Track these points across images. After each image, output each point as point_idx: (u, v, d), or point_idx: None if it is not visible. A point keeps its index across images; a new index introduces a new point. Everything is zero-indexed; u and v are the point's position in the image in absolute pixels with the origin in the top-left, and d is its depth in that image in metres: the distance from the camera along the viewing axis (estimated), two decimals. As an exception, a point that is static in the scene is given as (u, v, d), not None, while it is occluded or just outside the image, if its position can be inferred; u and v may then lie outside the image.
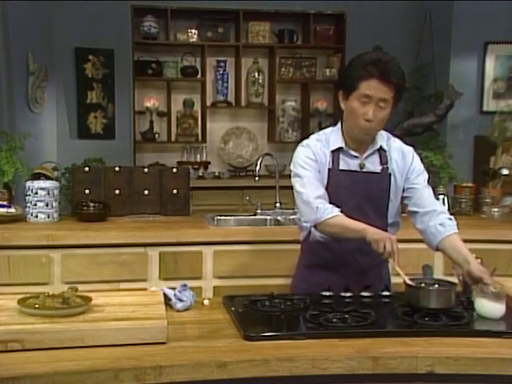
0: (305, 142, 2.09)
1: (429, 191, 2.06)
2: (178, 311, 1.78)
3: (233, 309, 1.76)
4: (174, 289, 1.83)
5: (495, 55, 4.74)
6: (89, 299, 1.63)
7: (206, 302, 1.87)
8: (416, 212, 2.03)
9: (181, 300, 1.79)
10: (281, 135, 5.39)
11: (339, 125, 2.07)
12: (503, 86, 4.78)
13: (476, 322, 1.71)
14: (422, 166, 2.09)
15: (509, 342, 1.55)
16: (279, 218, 3.28)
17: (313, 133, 2.17)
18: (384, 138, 2.07)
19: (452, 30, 4.73)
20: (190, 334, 1.61)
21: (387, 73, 1.87)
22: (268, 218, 3.33)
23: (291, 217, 3.19)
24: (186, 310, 1.79)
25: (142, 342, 1.50)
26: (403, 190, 2.05)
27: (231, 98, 5.34)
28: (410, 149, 2.10)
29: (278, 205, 3.39)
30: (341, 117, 2.06)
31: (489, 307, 1.73)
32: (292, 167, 2.07)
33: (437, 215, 1.99)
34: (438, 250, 1.98)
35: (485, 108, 4.74)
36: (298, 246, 2.25)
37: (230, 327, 1.65)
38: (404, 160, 2.05)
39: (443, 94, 4.26)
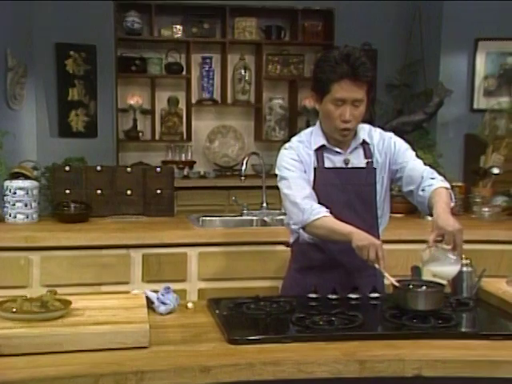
0: (287, 144, 2.11)
1: (416, 163, 2.05)
2: (161, 315, 1.78)
3: (217, 312, 1.76)
4: (156, 292, 1.83)
5: (486, 52, 4.78)
6: (68, 303, 1.62)
7: (189, 305, 1.87)
8: (411, 191, 2.03)
9: (164, 303, 1.79)
10: (268, 134, 5.40)
11: (318, 123, 2.09)
12: (494, 84, 4.82)
13: (464, 323, 1.73)
14: (406, 144, 2.10)
15: (497, 344, 1.57)
16: (266, 218, 3.28)
17: (301, 130, 2.18)
18: (366, 131, 2.09)
19: (442, 26, 4.76)
20: (172, 338, 1.61)
21: (357, 72, 1.89)
22: (254, 218, 3.33)
23: (278, 217, 3.20)
24: (169, 313, 1.79)
25: (123, 346, 1.50)
26: (395, 173, 2.06)
27: (217, 95, 5.33)
28: (390, 134, 2.12)
29: (264, 205, 3.40)
30: (311, 117, 2.08)
31: (438, 269, 1.73)
32: (277, 171, 2.09)
33: (422, 183, 1.99)
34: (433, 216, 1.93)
35: (475, 106, 4.78)
36: (286, 248, 2.26)
37: (214, 331, 1.65)
38: (387, 146, 2.07)
39: (433, 92, 4.29)
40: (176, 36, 5.12)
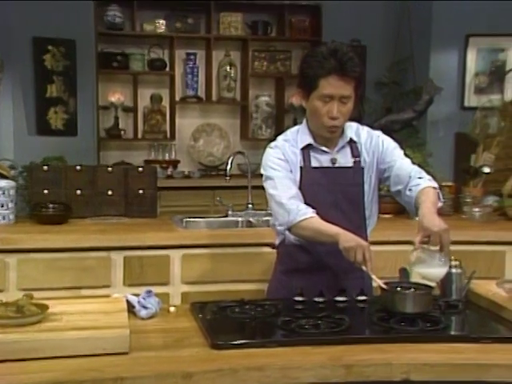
0: (272, 143, 2.11)
1: (405, 162, 2.07)
2: (142, 319, 1.77)
3: (200, 316, 1.76)
4: (138, 295, 1.83)
5: (477, 48, 4.82)
6: (45, 307, 1.61)
7: (171, 309, 1.87)
8: (399, 191, 2.04)
9: (145, 307, 1.78)
10: (254, 132, 5.40)
11: (305, 122, 2.10)
12: (485, 81, 4.86)
13: (453, 326, 1.75)
14: (394, 143, 2.12)
15: (487, 348, 1.58)
16: (251, 219, 3.29)
17: (288, 128, 2.19)
18: (353, 129, 2.10)
19: (432, 22, 4.79)
20: (154, 343, 1.61)
21: (345, 67, 1.90)
22: (240, 219, 3.33)
23: (264, 218, 3.21)
24: (151, 317, 1.79)
25: (102, 352, 1.49)
26: (383, 172, 2.08)
27: (201, 92, 5.32)
28: (378, 132, 2.13)
29: (250, 206, 3.40)
30: (298, 114, 2.09)
31: (426, 271, 1.74)
32: (262, 171, 2.09)
33: (409, 183, 2.00)
34: None
35: (466, 103, 4.81)
36: (272, 250, 2.26)
37: (196, 335, 1.65)
38: (375, 145, 2.09)
39: (422, 90, 4.32)
40: (159, 31, 5.10)
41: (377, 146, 2.09)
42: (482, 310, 1.88)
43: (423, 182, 1.98)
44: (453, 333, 1.72)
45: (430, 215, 1.81)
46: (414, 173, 2.02)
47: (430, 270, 1.76)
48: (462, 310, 1.86)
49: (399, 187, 2.03)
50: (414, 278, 1.82)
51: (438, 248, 1.76)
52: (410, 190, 1.99)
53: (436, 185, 2.00)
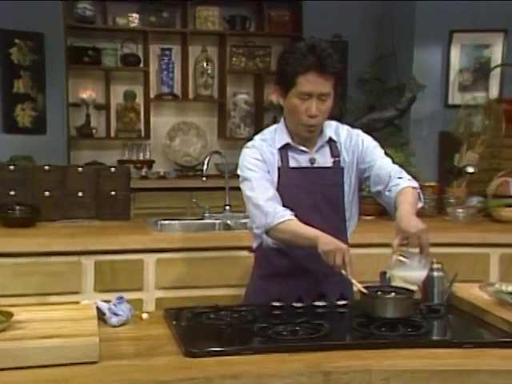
0: (249, 143, 2.12)
1: (385, 161, 2.08)
2: (113, 327, 1.76)
3: (174, 323, 1.76)
4: (109, 302, 1.82)
5: (461, 44, 4.89)
6: (10, 315, 1.60)
7: (144, 315, 1.86)
8: (379, 191, 2.06)
9: (116, 314, 1.78)
10: (232, 131, 5.41)
11: (283, 120, 2.11)
12: (469, 78, 4.93)
13: (435, 331, 1.77)
14: (374, 142, 2.14)
15: (469, 353, 1.60)
16: (229, 222, 3.29)
17: (268, 127, 2.19)
18: (332, 128, 2.12)
19: (415, 17, 4.84)
20: (125, 351, 1.61)
21: (324, 63, 1.92)
22: (217, 222, 3.33)
23: (242, 221, 3.21)
24: (122, 325, 1.78)
25: (70, 361, 1.48)
26: (363, 172, 2.10)
27: (177, 89, 5.31)
28: (358, 131, 2.15)
29: (227, 208, 3.40)
30: (282, 112, 2.10)
31: (406, 275, 1.76)
32: (239, 171, 2.10)
33: (389, 183, 2.02)
34: None
35: (450, 101, 4.88)
36: (250, 253, 2.27)
37: (170, 343, 1.65)
38: (355, 144, 2.10)
39: (405, 87, 4.36)
40: (132, 25, 5.08)
41: (356, 146, 2.10)
42: (465, 315, 1.90)
43: (403, 182, 2.00)
44: (434, 338, 1.74)
45: (407, 216, 1.82)
46: (394, 172, 2.04)
47: (411, 273, 1.78)
48: (443, 314, 1.88)
49: (379, 187, 2.05)
50: (395, 282, 1.84)
51: (417, 250, 1.77)
52: (389, 190, 2.01)
53: (416, 184, 2.02)
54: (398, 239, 1.79)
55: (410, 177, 2.05)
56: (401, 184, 1.99)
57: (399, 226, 1.81)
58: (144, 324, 1.82)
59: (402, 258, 1.76)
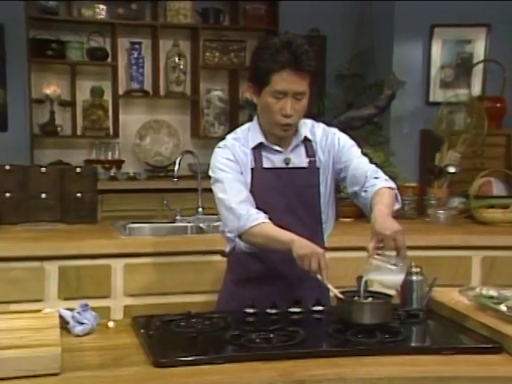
0: (221, 143, 2.13)
1: (362, 161, 2.10)
2: (77, 336, 1.76)
3: (142, 331, 1.76)
4: (72, 310, 1.81)
5: (442, 39, 4.94)
6: (-34, 325, 1.58)
7: (110, 324, 1.86)
8: (355, 192, 2.08)
9: (80, 323, 1.77)
10: (206, 130, 5.40)
11: (256, 119, 2.12)
12: (451, 74, 4.98)
13: (413, 337, 1.79)
14: (351, 141, 2.15)
15: (447, 359, 1.62)
16: (202, 225, 3.29)
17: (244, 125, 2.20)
18: (308, 127, 2.13)
19: (395, 11, 4.88)
20: (89, 362, 1.60)
21: (299, 61, 1.93)
22: (189, 225, 3.34)
23: (215, 224, 3.21)
24: (87, 334, 1.77)
25: (30, 373, 1.47)
26: (340, 172, 2.11)
27: (148, 86, 5.29)
28: (334, 130, 2.17)
29: (200, 210, 3.41)
30: (256, 110, 2.10)
31: (383, 279, 1.78)
32: (211, 172, 2.10)
33: (365, 183, 2.04)
34: None
35: (431, 98, 4.93)
36: (223, 258, 2.27)
37: (138, 353, 1.65)
38: (331, 143, 2.12)
39: (384, 84, 4.41)
40: (99, 17, 5.05)
41: (332, 145, 2.12)
42: (444, 320, 1.92)
43: (379, 183, 2.02)
44: (412, 344, 1.76)
45: (381, 218, 1.84)
46: (371, 172, 2.06)
47: (388, 277, 1.79)
48: (422, 319, 1.90)
49: (356, 188, 2.07)
50: (373, 287, 1.86)
51: (393, 253, 1.79)
52: (365, 191, 2.03)
53: (393, 185, 2.05)
54: (373, 242, 1.81)
55: (386, 177, 2.07)
56: (377, 184, 2.01)
57: (374, 228, 1.83)
58: (110, 333, 1.81)
59: (378, 262, 1.77)
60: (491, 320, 1.77)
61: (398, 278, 1.79)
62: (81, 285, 2.71)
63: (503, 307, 1.79)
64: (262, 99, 2.00)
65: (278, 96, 1.96)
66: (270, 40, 2.01)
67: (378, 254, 1.79)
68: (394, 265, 1.76)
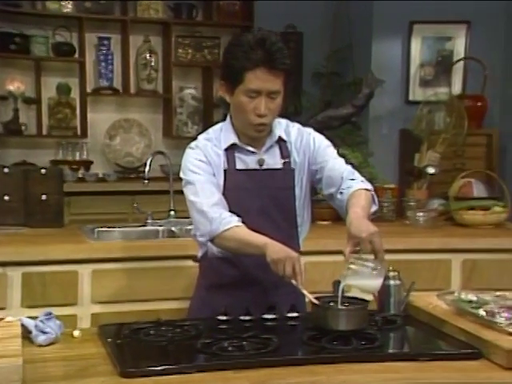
0: (193, 143, 2.13)
1: (338, 162, 2.12)
2: (40, 346, 1.74)
3: (109, 340, 1.75)
4: (36, 318, 1.79)
5: (422, 36, 4.99)
6: None
7: (76, 333, 1.84)
8: (331, 194, 2.09)
9: (44, 332, 1.75)
10: (179, 129, 5.39)
11: (229, 119, 2.13)
12: (431, 72, 5.03)
13: (391, 344, 1.81)
14: (326, 141, 2.17)
15: (425, 366, 1.64)
16: (174, 228, 3.28)
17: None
18: (282, 127, 2.14)
19: (373, 7, 4.92)
20: (53, 373, 1.58)
21: (273, 58, 1.94)
22: (160, 228, 3.33)
23: (188, 227, 3.20)
24: (51, 344, 1.76)
25: (-11, 386, 1.46)
26: (315, 174, 2.13)
27: (117, 83, 5.27)
28: (310, 130, 2.18)
29: (172, 213, 3.40)
30: (228, 109, 2.11)
31: (361, 283, 1.80)
32: (182, 174, 2.10)
33: (341, 185, 2.05)
34: None
35: (411, 97, 4.97)
36: (195, 263, 2.27)
37: (104, 363, 1.64)
38: (306, 144, 2.13)
39: (362, 82, 4.44)
40: (65, 10, 5.02)
41: (308, 145, 2.13)
42: (422, 325, 1.94)
43: (355, 184, 2.03)
44: (389, 351, 1.78)
45: (357, 220, 1.85)
46: (347, 174, 2.08)
47: (365, 282, 1.80)
48: (400, 325, 1.92)
49: (332, 190, 2.08)
50: (351, 292, 1.87)
51: (371, 256, 1.80)
52: (341, 192, 2.04)
53: (370, 187, 2.06)
54: (349, 246, 1.82)
55: (363, 178, 2.09)
56: (353, 186, 2.02)
57: (349, 231, 1.84)
58: (75, 342, 1.80)
59: (355, 267, 1.78)
60: (470, 325, 1.80)
61: (377, 282, 1.80)
62: (46, 292, 2.69)
63: (482, 312, 1.82)
64: (235, 98, 2.01)
65: (252, 95, 1.97)
66: (242, 37, 2.01)
67: (355, 258, 1.80)
68: (372, 268, 1.77)
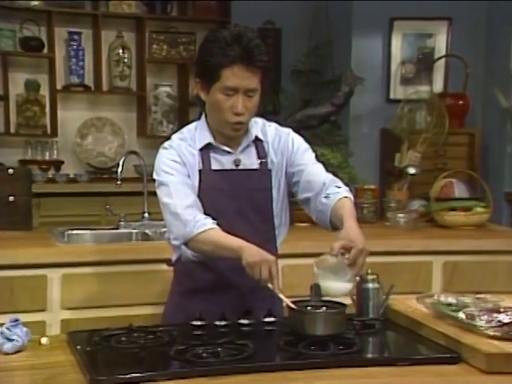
0: (166, 143, 2.13)
1: (316, 167, 2.15)
2: (6, 354, 1.73)
3: (79, 348, 1.74)
4: (1, 325, 1.78)
5: (402, 33, 5.03)
6: None
7: (43, 340, 1.83)
8: (308, 198, 2.11)
9: (10, 339, 1.74)
10: (153, 128, 5.38)
11: (204, 117, 2.13)
12: (412, 70, 5.07)
13: (369, 348, 1.83)
14: (305, 144, 2.19)
15: (404, 370, 1.66)
16: (147, 231, 3.28)
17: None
18: (259, 126, 2.15)
19: (352, 3, 4.94)
20: (19, 382, 1.58)
21: (251, 55, 1.95)
22: (134, 231, 3.33)
23: (162, 230, 3.20)
24: (17, 351, 1.75)
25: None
26: (292, 176, 2.14)
27: (89, 80, 5.25)
28: (288, 130, 2.20)
29: (146, 215, 3.40)
30: (204, 108, 2.11)
31: (330, 284, 1.86)
32: (155, 175, 2.10)
33: (325, 189, 2.07)
34: (333, 228, 2.05)
35: (392, 95, 5.01)
36: (169, 267, 2.27)
37: (73, 371, 1.63)
38: (284, 145, 2.14)
39: (342, 80, 4.47)
40: (33, 4, 4.98)
41: (286, 146, 2.14)
42: (401, 329, 1.96)
43: (343, 192, 2.06)
44: (368, 356, 1.79)
45: (357, 229, 1.90)
46: (330, 180, 2.10)
47: (338, 284, 1.86)
48: (379, 329, 1.93)
49: (309, 194, 2.10)
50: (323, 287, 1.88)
51: (350, 263, 1.84)
52: (326, 197, 2.05)
53: (353, 198, 2.10)
54: (340, 244, 1.84)
55: (347, 188, 2.12)
56: (341, 193, 2.05)
57: (347, 235, 1.87)
58: (43, 350, 1.79)
59: (333, 265, 1.82)
60: (449, 328, 1.82)
61: (348, 286, 1.86)
62: (13, 297, 2.67)
63: (462, 315, 1.84)
64: (211, 96, 2.01)
65: (229, 93, 1.97)
66: (218, 33, 2.01)
67: (337, 258, 1.83)
68: (349, 273, 1.82)
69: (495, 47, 4.92)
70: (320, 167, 2.15)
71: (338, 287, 1.86)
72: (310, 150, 2.18)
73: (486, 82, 5.00)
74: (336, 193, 2.05)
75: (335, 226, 2.03)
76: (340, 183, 2.11)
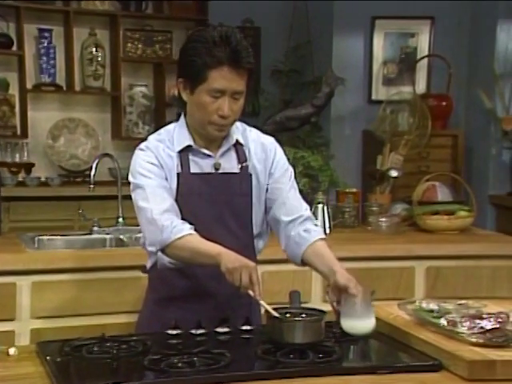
0: (142, 144, 2.12)
1: (295, 193, 2.19)
2: (-27, 366, 1.72)
3: (49, 358, 1.74)
4: (-32, 336, 1.78)
5: (384, 32, 5.06)
6: None
7: (11, 350, 1.82)
8: (280, 221, 2.13)
9: (-23, 351, 1.74)
10: (128, 130, 5.37)
11: (183, 118, 2.13)
12: (394, 70, 5.10)
13: (349, 356, 1.85)
14: (286, 160, 2.21)
15: (383, 379, 1.67)
16: (122, 237, 3.27)
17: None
18: (239, 130, 2.16)
19: (333, 0, 4.97)
20: (-14, 395, 1.58)
21: (239, 57, 1.95)
22: (108, 237, 3.32)
23: (138, 235, 3.20)
24: (-16, 363, 1.74)
25: None
26: (266, 190, 2.16)
27: (60, 79, 5.22)
28: (271, 139, 2.21)
29: (120, 220, 3.39)
30: (184, 108, 2.11)
31: (357, 325, 1.91)
32: (130, 178, 2.09)
33: (302, 222, 2.12)
34: (303, 263, 2.11)
35: (374, 96, 5.03)
36: (143, 274, 2.27)
37: (43, 382, 1.63)
38: (265, 153, 2.16)
39: (322, 81, 4.49)
40: (0, -1, 4.95)
41: (268, 154, 2.16)
42: (382, 337, 1.97)
43: (320, 232, 2.14)
44: (347, 364, 1.79)
45: (342, 272, 1.98)
46: (309, 215, 2.16)
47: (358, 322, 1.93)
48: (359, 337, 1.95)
49: (283, 218, 2.13)
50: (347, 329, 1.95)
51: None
52: (306, 231, 2.10)
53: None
54: (334, 295, 1.96)
55: (315, 219, 2.23)
56: (319, 232, 2.13)
57: (337, 281, 1.95)
58: (11, 361, 1.78)
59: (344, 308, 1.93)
60: (431, 335, 1.84)
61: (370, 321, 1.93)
62: (-19, 306, 2.66)
63: (443, 321, 1.86)
64: (196, 97, 2.00)
65: (216, 95, 1.97)
66: (204, 32, 2.00)
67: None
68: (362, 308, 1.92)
69: (478, 47, 4.97)
70: (296, 193, 2.19)
71: (366, 325, 1.93)
72: (290, 168, 2.21)
73: (469, 82, 5.05)
74: (316, 231, 2.12)
75: (307, 262, 2.09)
76: (316, 222, 2.21)
